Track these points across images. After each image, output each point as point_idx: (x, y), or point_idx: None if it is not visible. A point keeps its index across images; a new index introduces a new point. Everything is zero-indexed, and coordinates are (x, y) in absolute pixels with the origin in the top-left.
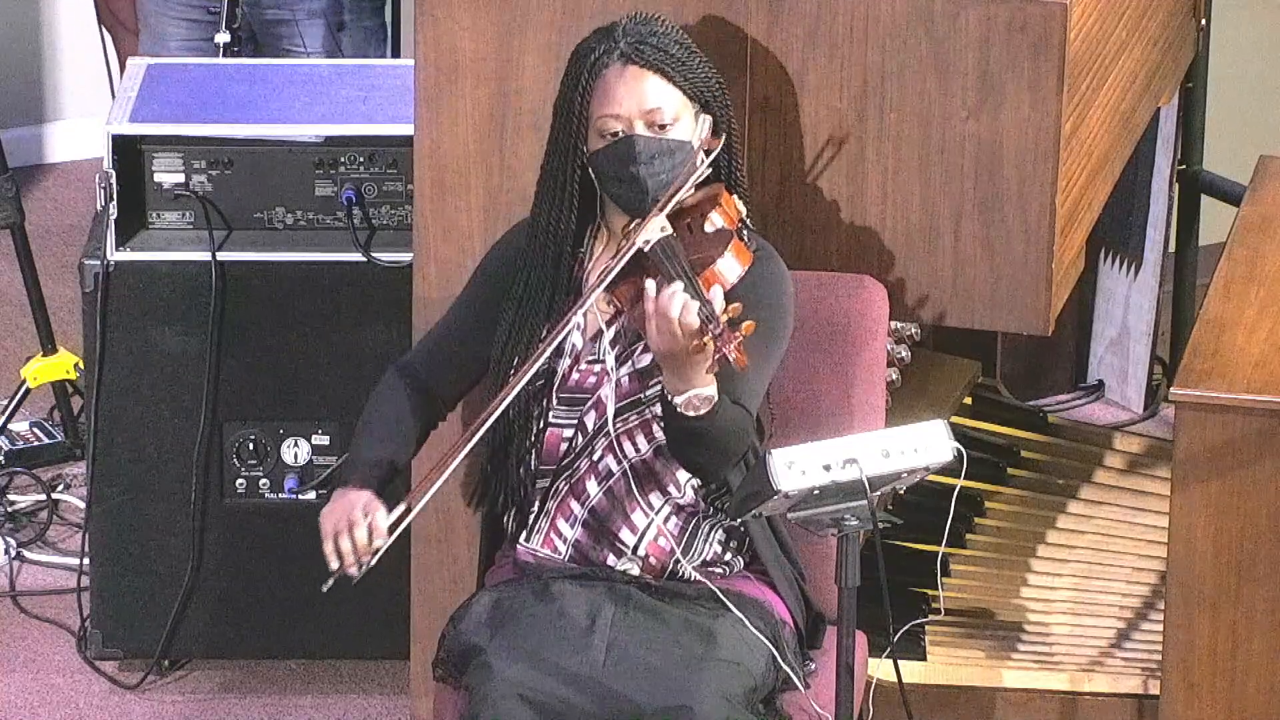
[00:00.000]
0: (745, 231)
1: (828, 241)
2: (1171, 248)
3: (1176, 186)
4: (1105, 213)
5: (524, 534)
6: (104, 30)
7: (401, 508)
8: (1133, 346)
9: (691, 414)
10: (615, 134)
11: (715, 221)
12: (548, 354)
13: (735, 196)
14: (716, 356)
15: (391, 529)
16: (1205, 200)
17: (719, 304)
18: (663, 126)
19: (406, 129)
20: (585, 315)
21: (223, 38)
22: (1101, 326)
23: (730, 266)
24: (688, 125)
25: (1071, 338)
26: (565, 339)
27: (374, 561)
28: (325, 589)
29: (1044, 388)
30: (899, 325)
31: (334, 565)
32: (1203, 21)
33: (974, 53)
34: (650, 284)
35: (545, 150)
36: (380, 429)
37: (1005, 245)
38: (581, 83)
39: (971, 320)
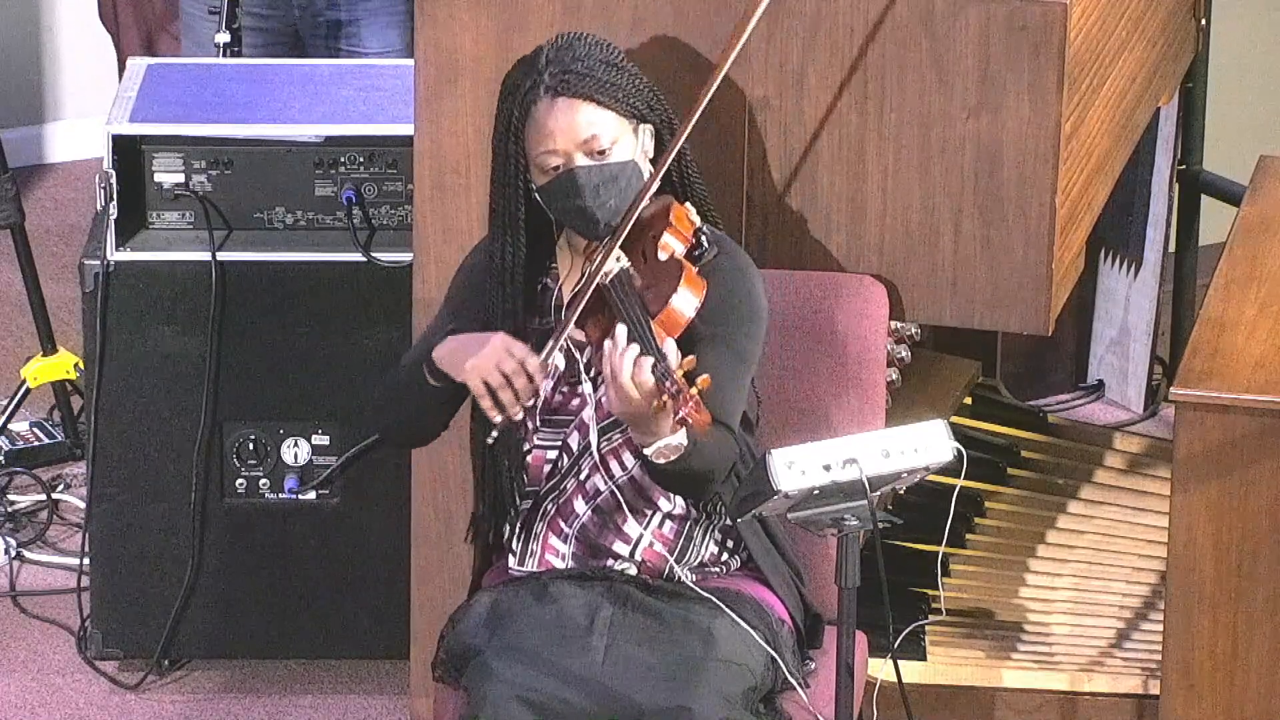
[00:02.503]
0: (704, 238)
1: (828, 241)
2: (1171, 248)
3: (1176, 186)
4: (1105, 213)
5: (515, 559)
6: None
7: (549, 347)
8: (1133, 346)
9: (663, 461)
10: (555, 168)
11: (669, 245)
12: (556, 359)
13: (688, 205)
14: (676, 418)
15: (544, 365)
16: (1205, 200)
17: (674, 359)
18: (602, 153)
19: (406, 129)
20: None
21: (223, 38)
22: (1101, 326)
23: (685, 301)
24: (628, 144)
25: (1071, 338)
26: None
27: (531, 401)
28: (491, 440)
29: (1044, 388)
30: (899, 325)
31: (498, 419)
32: (1203, 21)
33: (974, 53)
34: (607, 345)
35: (489, 185)
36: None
37: (1005, 245)
38: (513, 121)
39: (971, 320)
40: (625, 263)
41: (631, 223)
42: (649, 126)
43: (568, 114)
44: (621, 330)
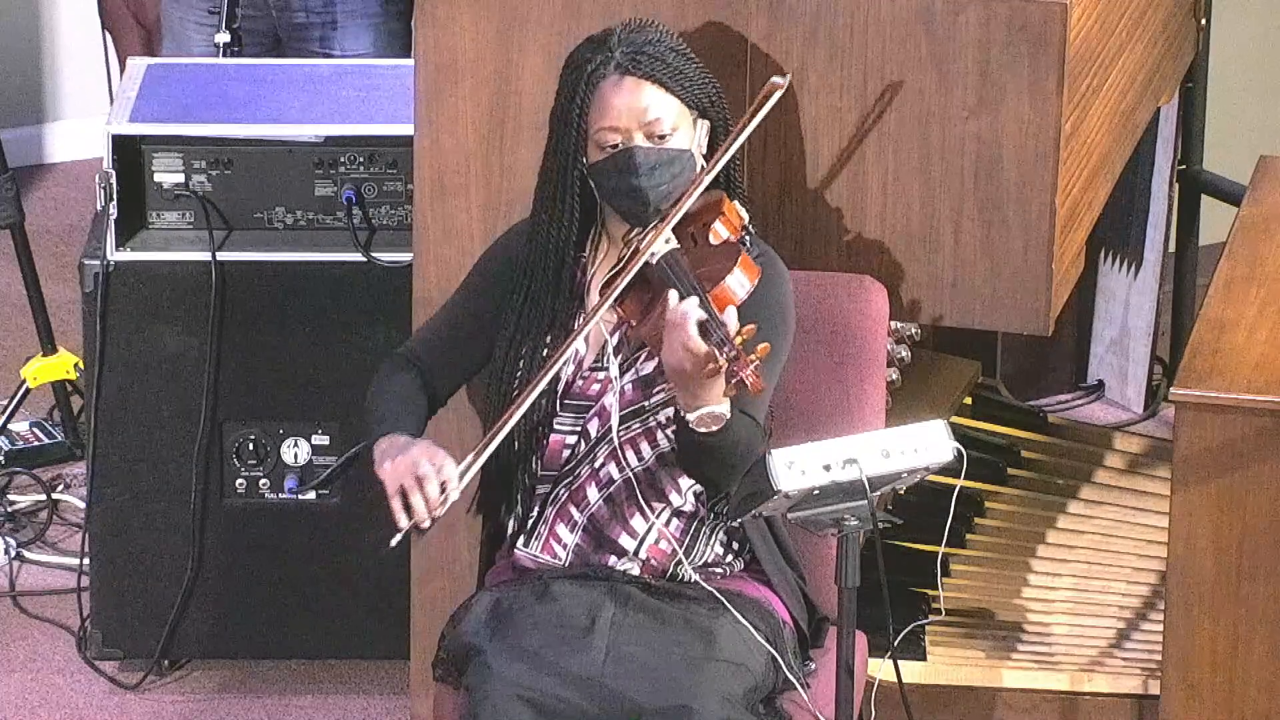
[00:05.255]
0: (747, 238)
1: (828, 241)
2: (1171, 248)
3: (1176, 186)
4: (1105, 213)
5: (523, 539)
6: (105, 30)
7: (470, 458)
8: (1133, 346)
9: (703, 430)
10: (614, 146)
11: (719, 233)
12: (560, 365)
13: (736, 202)
14: (733, 381)
15: (460, 477)
16: (1205, 200)
17: (733, 326)
18: (662, 137)
19: (406, 129)
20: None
21: (223, 38)
22: (1101, 326)
23: (740, 283)
24: (686, 133)
25: (1071, 338)
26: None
27: (443, 513)
28: (394, 544)
29: (1044, 388)
30: (899, 325)
31: (403, 523)
32: (1203, 21)
33: (974, 53)
34: (673, 295)
35: (543, 159)
36: (396, 403)
37: (1005, 245)
38: (578, 95)
39: (971, 320)
40: (674, 243)
41: (685, 206)
42: (706, 123)
43: (634, 93)
44: (674, 295)
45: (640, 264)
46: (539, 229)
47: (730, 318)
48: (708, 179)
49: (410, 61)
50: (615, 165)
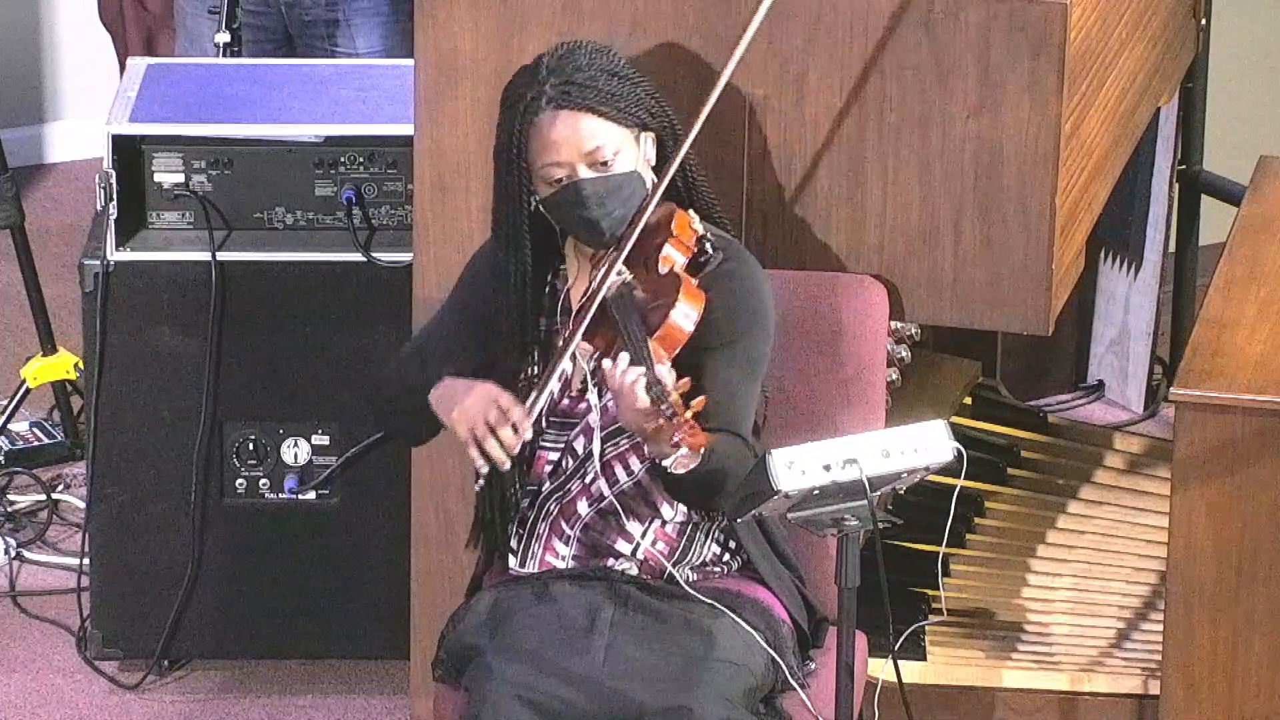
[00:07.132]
0: (708, 245)
1: (828, 241)
2: (1171, 248)
3: (1176, 186)
4: (1105, 213)
5: (516, 559)
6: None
7: (534, 395)
8: (1133, 346)
9: (680, 471)
10: (559, 180)
11: (669, 256)
12: (552, 386)
13: (691, 212)
14: (671, 442)
15: (527, 416)
16: (1205, 200)
17: (669, 381)
18: (605, 164)
19: (406, 129)
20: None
21: (223, 38)
22: (1101, 326)
23: (685, 315)
24: (630, 154)
25: (1071, 338)
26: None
27: (518, 449)
28: (478, 487)
29: (1044, 388)
30: (899, 325)
31: (484, 469)
32: (1203, 21)
33: (974, 53)
34: (606, 364)
35: (493, 197)
36: (427, 363)
37: (1005, 245)
38: (515, 134)
39: (971, 320)
40: (627, 275)
41: (635, 235)
42: (650, 134)
43: (571, 125)
44: (625, 356)
45: (598, 303)
46: (499, 267)
47: (665, 374)
48: (656, 198)
49: (410, 61)
50: (564, 200)
